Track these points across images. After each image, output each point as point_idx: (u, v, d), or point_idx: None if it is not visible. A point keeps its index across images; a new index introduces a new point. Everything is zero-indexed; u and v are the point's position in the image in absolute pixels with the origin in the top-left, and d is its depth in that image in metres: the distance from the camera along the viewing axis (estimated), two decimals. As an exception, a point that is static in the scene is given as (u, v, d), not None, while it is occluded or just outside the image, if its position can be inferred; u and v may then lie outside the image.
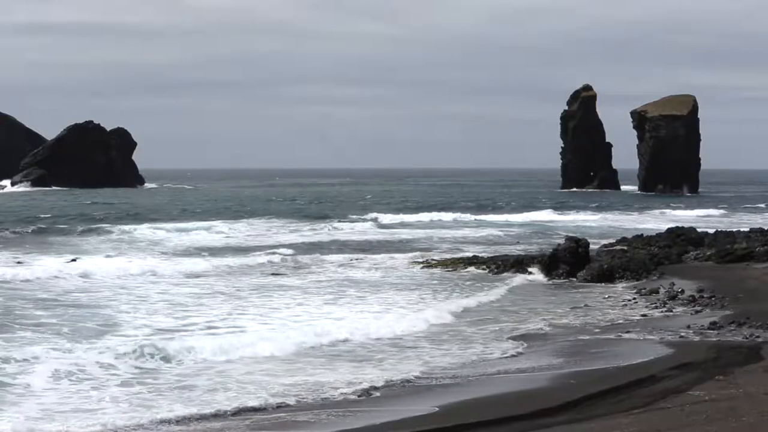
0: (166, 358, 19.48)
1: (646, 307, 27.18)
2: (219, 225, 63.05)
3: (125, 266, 37.50)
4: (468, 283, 33.35)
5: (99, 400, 16.45)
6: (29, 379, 17.42)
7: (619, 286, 32.26)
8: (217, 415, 15.47)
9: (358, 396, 16.81)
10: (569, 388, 16.55)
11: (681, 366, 17.87)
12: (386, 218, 72.42)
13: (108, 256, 42.32)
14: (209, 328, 23.63)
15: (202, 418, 15.34)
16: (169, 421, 15.10)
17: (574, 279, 34.04)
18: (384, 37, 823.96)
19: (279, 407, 15.96)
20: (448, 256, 42.01)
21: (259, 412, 15.68)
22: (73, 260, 40.35)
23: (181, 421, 15.15)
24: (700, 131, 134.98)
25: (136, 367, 18.84)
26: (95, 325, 23.53)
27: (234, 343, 20.93)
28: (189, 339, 21.42)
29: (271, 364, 19.50)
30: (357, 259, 41.35)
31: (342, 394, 16.88)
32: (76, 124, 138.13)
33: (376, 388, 17.27)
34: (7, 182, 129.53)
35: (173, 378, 18.22)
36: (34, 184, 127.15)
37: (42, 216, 71.06)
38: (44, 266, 36.88)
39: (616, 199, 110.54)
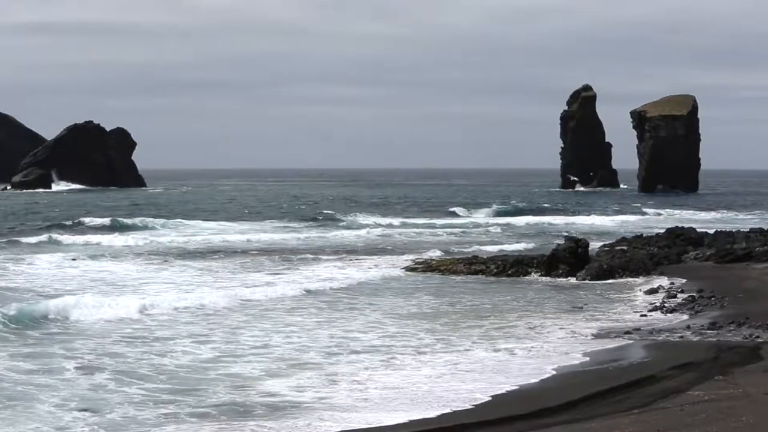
0: None
1: (646, 307, 27.17)
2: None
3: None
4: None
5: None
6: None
7: (619, 286, 32.27)
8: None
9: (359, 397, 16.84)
10: (569, 388, 16.54)
11: (681, 366, 17.84)
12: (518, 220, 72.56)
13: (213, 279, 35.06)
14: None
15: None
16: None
17: (574, 279, 34.08)
18: (384, 37, 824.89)
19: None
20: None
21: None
22: (73, 259, 40.33)
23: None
24: (700, 131, 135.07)
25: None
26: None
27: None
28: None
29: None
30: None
31: (345, 394, 16.89)
32: (75, 124, 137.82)
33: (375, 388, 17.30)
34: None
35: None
36: (34, 184, 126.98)
37: (42, 216, 71.01)
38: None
39: (615, 199, 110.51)
